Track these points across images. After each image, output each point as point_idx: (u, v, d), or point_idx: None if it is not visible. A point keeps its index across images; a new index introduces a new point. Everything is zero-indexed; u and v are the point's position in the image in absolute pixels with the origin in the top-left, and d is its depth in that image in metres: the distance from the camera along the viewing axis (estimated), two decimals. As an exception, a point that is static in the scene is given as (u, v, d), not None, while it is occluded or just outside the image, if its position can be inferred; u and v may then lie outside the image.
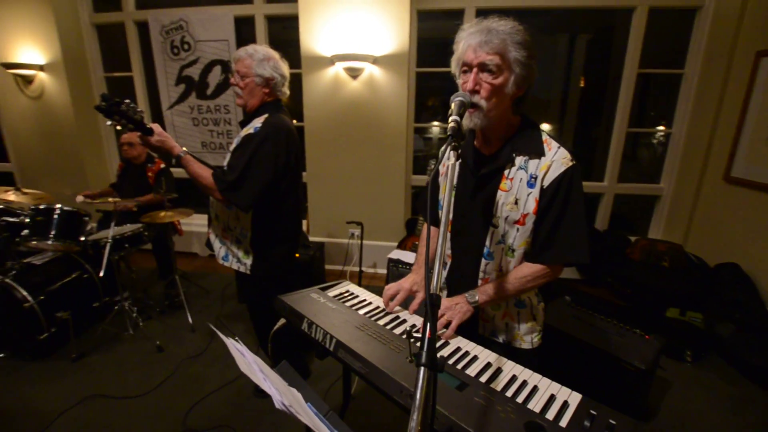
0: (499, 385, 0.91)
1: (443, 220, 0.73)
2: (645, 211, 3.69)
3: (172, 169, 3.19)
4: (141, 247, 2.82)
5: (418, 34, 3.36)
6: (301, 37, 3.26)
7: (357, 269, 3.45)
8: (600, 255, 3.38)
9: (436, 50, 3.45)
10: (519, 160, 1.06)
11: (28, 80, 3.81)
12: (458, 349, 1.05)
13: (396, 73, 3.22)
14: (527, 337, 1.19)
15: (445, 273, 1.26)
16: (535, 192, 1.04)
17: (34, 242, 2.33)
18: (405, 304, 1.27)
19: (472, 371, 0.95)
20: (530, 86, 1.03)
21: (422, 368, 0.51)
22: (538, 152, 1.05)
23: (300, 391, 0.89)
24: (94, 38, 3.94)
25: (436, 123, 3.69)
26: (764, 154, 2.66)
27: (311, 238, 3.61)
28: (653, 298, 2.83)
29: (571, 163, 1.03)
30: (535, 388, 0.90)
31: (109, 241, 2.40)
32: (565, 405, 0.85)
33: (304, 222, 3.78)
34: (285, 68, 1.75)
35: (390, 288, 1.25)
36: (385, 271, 3.49)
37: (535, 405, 0.84)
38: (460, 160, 0.95)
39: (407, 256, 2.81)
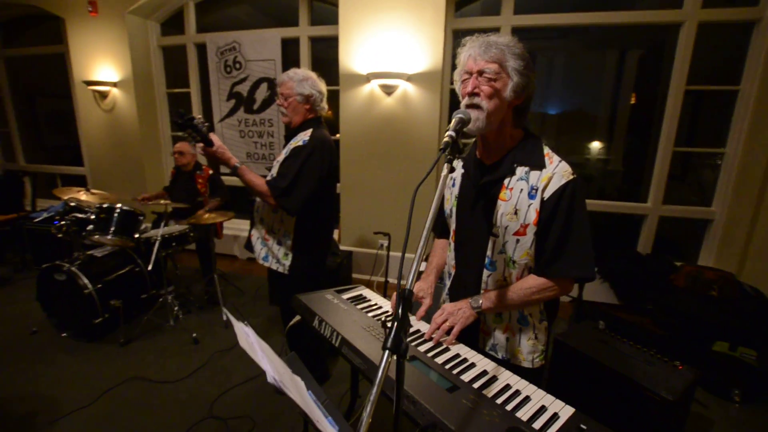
0: (491, 392, 0.93)
1: (424, 233, 0.77)
2: (694, 236, 3.45)
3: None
4: (186, 247, 3.08)
5: (453, 51, 3.44)
6: (340, 55, 3.45)
7: (383, 279, 3.52)
8: (641, 280, 3.19)
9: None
10: (520, 171, 1.08)
11: (103, 95, 4.34)
12: (457, 355, 1.08)
13: (429, 90, 3.31)
14: (528, 356, 1.17)
15: (448, 283, 1.29)
16: (536, 203, 1.05)
17: (97, 236, 2.64)
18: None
19: (466, 377, 0.98)
20: (529, 98, 1.07)
21: (386, 351, 0.56)
22: (539, 164, 1.07)
23: (304, 380, 0.97)
24: (159, 58, 4.42)
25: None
26: (830, 177, 2.42)
27: (341, 247, 3.73)
28: (699, 329, 2.63)
29: (572, 177, 1.04)
30: (526, 399, 0.92)
31: (158, 239, 2.66)
32: (554, 417, 0.86)
33: (336, 231, 3.92)
34: (322, 85, 1.93)
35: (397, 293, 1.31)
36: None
37: (524, 414, 0.86)
38: (453, 172, 0.98)
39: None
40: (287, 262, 1.94)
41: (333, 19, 3.53)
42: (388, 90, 3.35)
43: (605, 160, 3.68)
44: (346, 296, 1.46)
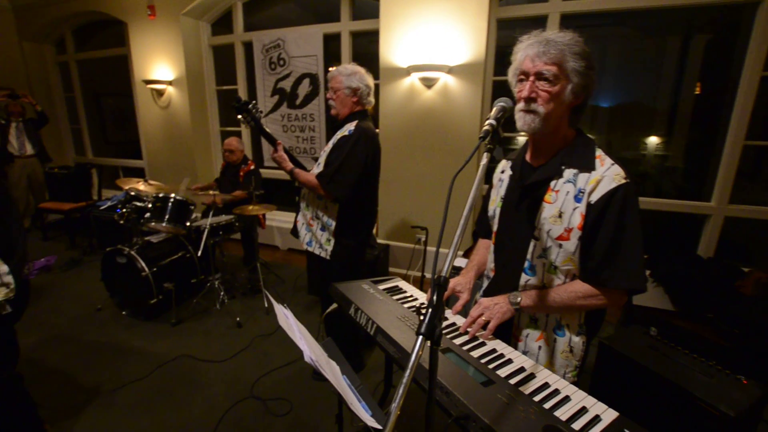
0: (527, 389, 0.90)
1: (461, 222, 0.75)
2: (766, 240, 3.11)
3: (262, 170, 3.62)
4: (232, 236, 3.24)
5: (497, 42, 3.33)
6: (381, 49, 3.45)
7: (420, 274, 3.51)
8: (701, 286, 2.94)
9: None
10: (568, 173, 1.03)
11: (160, 93, 4.65)
12: (494, 350, 1.06)
13: (471, 82, 3.22)
14: (560, 370, 1.11)
15: (485, 285, 1.26)
16: (582, 207, 0.99)
17: (153, 224, 2.85)
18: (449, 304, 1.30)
19: (502, 372, 0.96)
20: (588, 96, 1.01)
21: (420, 337, 0.56)
22: (589, 166, 1.01)
23: (339, 366, 1.00)
24: (210, 57, 4.66)
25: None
26: None
27: (378, 240, 3.76)
28: (768, 341, 2.38)
29: (624, 181, 0.97)
30: (566, 398, 0.88)
31: (207, 227, 2.82)
32: (596, 419, 0.82)
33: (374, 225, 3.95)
34: (369, 80, 2.01)
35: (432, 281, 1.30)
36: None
37: (563, 414, 0.82)
38: (493, 162, 0.94)
39: (469, 265, 2.78)
40: (329, 248, 2.03)
41: (374, 14, 3.54)
42: (429, 83, 3.31)
43: (663, 156, 3.41)
44: (382, 287, 1.47)
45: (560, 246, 1.03)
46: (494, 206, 1.21)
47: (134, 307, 2.87)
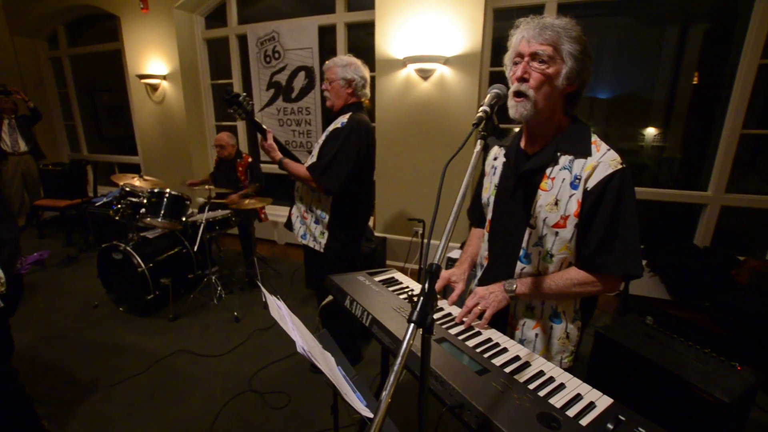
0: (522, 377, 0.90)
1: (453, 211, 0.74)
2: (764, 228, 3.12)
3: (262, 165, 3.60)
4: (229, 231, 3.23)
5: (493, 32, 3.30)
6: (376, 40, 3.42)
7: (418, 267, 3.51)
8: (697, 275, 2.95)
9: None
10: (563, 160, 1.02)
11: (154, 88, 4.61)
12: (489, 339, 1.06)
13: (467, 73, 3.20)
14: (557, 355, 1.11)
15: (479, 275, 1.26)
16: (578, 194, 0.98)
17: (148, 219, 2.84)
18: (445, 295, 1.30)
19: (497, 361, 0.96)
20: (583, 84, 1.00)
21: (411, 324, 0.55)
22: (585, 152, 1.00)
23: (334, 357, 0.99)
24: (204, 51, 4.61)
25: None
26: None
27: (376, 233, 3.75)
28: (763, 329, 2.40)
29: (620, 166, 0.96)
30: (561, 386, 0.88)
31: (203, 222, 2.81)
32: (590, 405, 0.82)
33: (371, 217, 3.94)
34: (365, 71, 1.99)
35: (424, 268, 1.29)
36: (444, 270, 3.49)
37: (557, 401, 0.82)
38: (487, 150, 0.94)
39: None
40: (323, 241, 2.02)
41: (370, 4, 3.50)
42: (425, 74, 3.28)
43: (661, 147, 3.40)
44: (377, 278, 1.46)
45: (556, 234, 1.02)
46: (488, 194, 1.19)
47: (131, 303, 2.87)
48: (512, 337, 1.16)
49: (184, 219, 2.94)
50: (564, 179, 1.01)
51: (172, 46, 4.36)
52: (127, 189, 3.03)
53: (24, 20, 5.28)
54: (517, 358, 0.98)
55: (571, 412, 0.79)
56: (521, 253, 1.09)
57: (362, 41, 3.90)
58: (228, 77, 4.57)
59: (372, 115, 3.65)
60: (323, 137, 1.97)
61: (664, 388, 1.65)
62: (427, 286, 0.60)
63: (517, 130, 1.20)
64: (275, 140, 2.04)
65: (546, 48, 0.94)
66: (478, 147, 0.82)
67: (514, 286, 1.08)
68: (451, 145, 3.38)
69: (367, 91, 2.03)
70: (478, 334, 1.08)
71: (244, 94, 2.00)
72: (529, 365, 0.95)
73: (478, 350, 1.00)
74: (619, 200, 0.96)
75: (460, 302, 1.25)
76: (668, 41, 3.22)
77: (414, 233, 3.67)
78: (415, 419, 0.70)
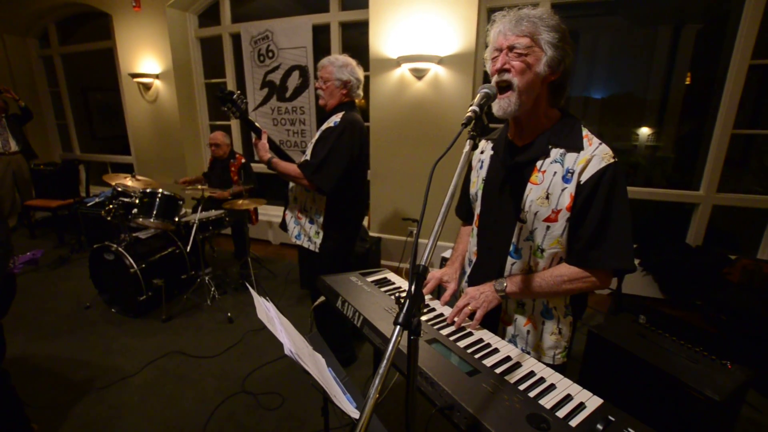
0: (513, 378, 0.90)
1: (441, 211, 0.73)
2: (754, 228, 3.15)
3: (254, 165, 3.58)
4: (222, 231, 3.21)
5: (487, 32, 3.30)
6: (370, 39, 3.41)
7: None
8: (690, 273, 2.98)
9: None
10: (555, 153, 1.01)
11: (147, 87, 4.57)
12: (480, 340, 1.05)
13: (461, 72, 3.20)
14: (549, 351, 1.11)
15: (468, 271, 1.25)
16: (571, 187, 0.97)
17: (141, 219, 2.81)
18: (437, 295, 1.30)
19: (488, 362, 0.95)
20: (566, 73, 0.99)
21: (397, 326, 0.55)
22: (577, 146, 0.99)
23: (325, 359, 0.99)
24: (197, 50, 4.57)
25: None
26: None
27: (370, 233, 3.75)
28: (754, 327, 2.42)
29: (612, 160, 0.96)
30: (551, 387, 0.88)
31: (196, 222, 2.79)
32: (580, 406, 0.82)
33: (365, 217, 3.93)
34: (360, 73, 2.00)
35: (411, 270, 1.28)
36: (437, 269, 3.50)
37: (547, 402, 0.82)
38: (475, 149, 0.93)
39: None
40: (318, 241, 2.02)
41: (364, 4, 3.49)
42: (419, 74, 3.28)
43: (654, 146, 3.42)
44: (370, 279, 1.46)
45: (547, 228, 1.01)
46: (476, 188, 1.18)
47: (123, 304, 2.84)
48: (504, 333, 1.16)
49: (176, 219, 2.92)
50: (555, 172, 1.00)
51: (164, 44, 4.32)
52: (119, 189, 3.00)
53: (14, 18, 5.22)
54: (508, 358, 0.98)
55: (561, 413, 0.79)
56: (511, 248, 1.08)
57: (356, 40, 3.89)
58: (221, 76, 4.55)
59: (366, 114, 3.64)
60: (316, 136, 1.97)
61: (657, 387, 1.66)
62: (413, 288, 0.60)
63: None
64: (269, 140, 2.03)
65: (523, 39, 0.94)
66: (467, 147, 0.82)
67: (504, 284, 1.07)
68: (445, 144, 3.34)
69: (361, 92, 2.04)
70: (470, 334, 1.08)
71: (239, 92, 1.99)
72: (520, 366, 0.95)
73: (469, 351, 1.00)
74: (612, 194, 0.96)
75: (453, 302, 1.24)
76: (661, 41, 3.25)
77: (409, 233, 3.67)
78: (404, 420, 0.70)
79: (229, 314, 2.78)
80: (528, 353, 1.11)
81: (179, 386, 2.13)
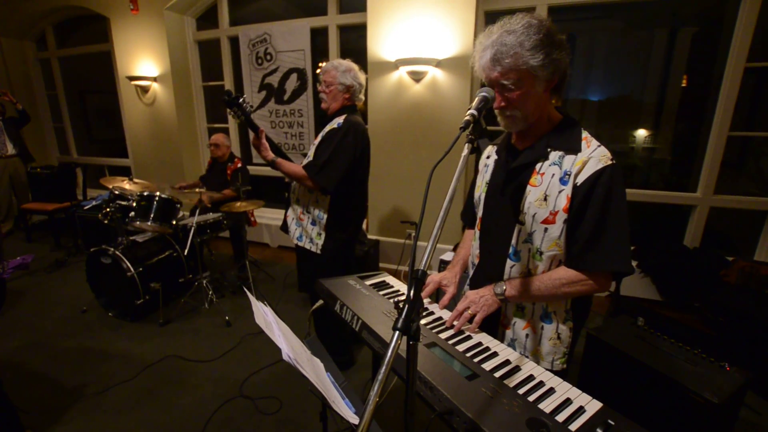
0: (512, 382, 0.89)
1: (441, 214, 0.73)
2: (751, 230, 3.16)
3: (254, 167, 3.57)
4: (220, 234, 3.20)
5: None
6: (368, 43, 3.42)
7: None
8: (687, 275, 2.98)
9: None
10: (553, 156, 1.02)
11: (144, 90, 4.56)
12: (479, 344, 1.05)
13: (459, 75, 3.21)
14: (548, 356, 1.10)
15: (471, 273, 1.26)
16: (568, 189, 0.98)
17: (138, 223, 2.79)
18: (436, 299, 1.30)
19: (487, 366, 0.95)
20: (565, 73, 0.98)
21: (396, 332, 0.54)
22: (575, 148, 0.99)
23: (324, 363, 0.98)
24: (195, 53, 4.57)
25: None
26: None
27: (369, 236, 3.74)
28: (752, 329, 2.42)
29: (610, 162, 0.96)
30: (550, 390, 0.87)
31: (194, 225, 2.78)
32: (580, 410, 0.81)
33: (365, 219, 3.93)
34: (362, 78, 2.03)
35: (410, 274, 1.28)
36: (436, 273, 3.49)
37: (547, 406, 0.82)
38: (474, 153, 0.94)
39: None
40: (320, 242, 2.03)
41: (362, 7, 3.50)
42: (417, 77, 3.28)
43: (651, 148, 3.43)
44: (368, 282, 1.45)
45: (545, 230, 1.02)
46: (479, 192, 1.19)
47: (120, 307, 2.82)
48: (504, 337, 1.16)
49: (174, 222, 2.91)
50: (553, 174, 1.00)
51: (162, 47, 4.32)
52: (117, 192, 2.98)
53: (11, 21, 5.20)
54: (507, 362, 0.97)
55: (560, 417, 0.79)
56: (510, 250, 1.08)
57: (354, 43, 3.90)
58: (220, 79, 4.54)
59: (364, 117, 3.65)
60: (319, 138, 1.99)
61: (655, 390, 1.65)
62: (412, 292, 0.60)
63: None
64: (269, 141, 2.03)
65: (510, 75, 0.94)
66: (465, 151, 0.82)
67: (504, 288, 1.07)
68: (443, 147, 3.36)
69: (363, 96, 2.07)
70: (469, 338, 1.08)
71: (244, 96, 2.01)
72: (519, 369, 0.95)
73: (468, 355, 0.99)
74: (609, 196, 0.95)
75: (451, 306, 1.24)
76: (657, 44, 3.26)
77: (407, 236, 3.67)
78: (403, 425, 0.69)
79: (227, 318, 2.77)
80: (527, 357, 1.11)
81: (176, 391, 2.11)
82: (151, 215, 2.78)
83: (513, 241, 1.08)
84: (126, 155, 5.26)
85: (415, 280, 0.61)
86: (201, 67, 4.65)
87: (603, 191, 0.95)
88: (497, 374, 0.92)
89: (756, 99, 3.00)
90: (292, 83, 4.05)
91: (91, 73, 5.50)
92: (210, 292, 3.00)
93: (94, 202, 4.06)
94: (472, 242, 1.31)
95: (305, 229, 2.08)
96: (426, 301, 1.29)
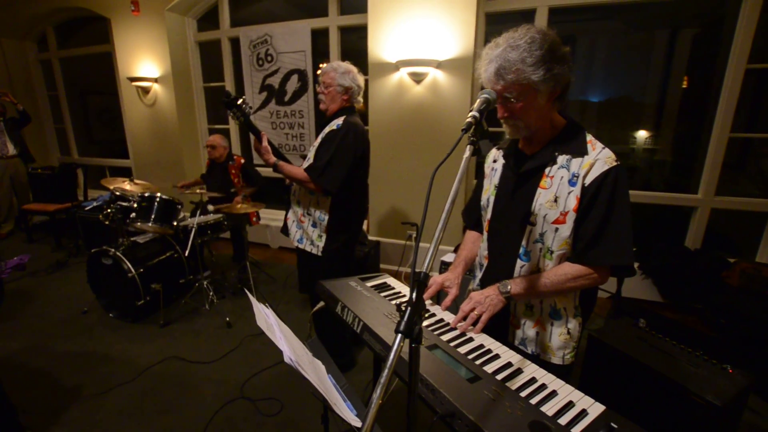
0: (514, 384, 0.89)
1: (443, 216, 0.74)
2: (752, 231, 3.16)
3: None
4: (221, 235, 3.20)
5: (485, 36, 3.31)
6: (369, 44, 3.42)
7: (410, 270, 3.50)
8: (689, 277, 2.97)
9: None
10: (561, 159, 1.06)
11: (145, 91, 4.56)
12: (481, 346, 1.05)
13: (460, 77, 3.21)
14: (559, 351, 1.13)
15: (480, 275, 1.26)
16: (577, 190, 1.02)
17: (139, 224, 2.79)
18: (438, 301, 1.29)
19: (489, 368, 0.95)
20: (567, 83, 1.01)
21: (398, 335, 0.54)
22: (581, 151, 1.04)
23: (325, 365, 0.98)
24: (196, 54, 4.58)
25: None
26: None
27: (369, 237, 3.74)
28: (754, 331, 2.42)
29: (615, 163, 1.01)
30: (553, 393, 0.87)
31: (195, 226, 2.78)
32: (582, 413, 0.81)
33: (365, 221, 3.93)
34: (361, 80, 2.03)
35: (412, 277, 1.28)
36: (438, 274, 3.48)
37: (549, 409, 0.81)
38: (476, 156, 0.94)
39: (460, 260, 2.78)
40: (321, 244, 2.03)
41: (362, 8, 3.50)
42: (418, 78, 3.28)
43: (652, 150, 3.43)
44: (369, 284, 1.45)
45: (556, 230, 1.06)
46: (488, 195, 1.22)
47: (121, 309, 2.82)
48: (514, 336, 1.18)
49: (175, 223, 2.91)
50: (562, 177, 1.04)
51: (163, 48, 4.32)
52: (118, 193, 2.98)
53: (12, 22, 5.21)
54: (509, 364, 0.97)
55: (563, 420, 0.78)
56: (521, 250, 1.12)
57: (355, 44, 3.90)
58: (220, 80, 4.55)
59: (365, 118, 3.65)
60: (319, 139, 1.98)
61: (657, 392, 1.65)
62: (414, 295, 0.59)
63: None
64: (270, 144, 2.03)
65: (512, 88, 0.97)
66: (467, 153, 0.82)
67: (509, 287, 1.09)
68: (443, 148, 3.37)
69: (361, 98, 2.07)
70: (471, 340, 1.08)
71: (244, 97, 2.01)
72: (521, 372, 0.95)
73: (470, 357, 0.99)
74: (614, 195, 1.00)
75: (454, 307, 1.24)
76: (658, 45, 3.26)
77: (408, 237, 3.66)
78: (405, 427, 0.69)
79: (227, 319, 2.77)
80: (537, 355, 1.13)
81: (177, 393, 2.11)
82: (152, 216, 2.79)
83: (523, 242, 1.11)
84: (126, 156, 5.26)
85: (418, 282, 0.60)
86: (202, 68, 4.65)
87: (608, 191, 1.00)
88: (499, 377, 0.91)
89: (757, 100, 3.00)
90: (293, 84, 4.05)
91: (92, 74, 5.50)
92: (211, 293, 2.99)
93: (94, 203, 4.06)
94: (474, 244, 1.33)
95: (306, 231, 2.07)
96: (427, 302, 1.29)
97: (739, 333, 2.44)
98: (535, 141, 1.11)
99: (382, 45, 3.37)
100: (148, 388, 2.14)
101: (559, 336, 1.12)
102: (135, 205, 2.82)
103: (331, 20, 3.84)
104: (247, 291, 1.15)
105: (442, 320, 1.19)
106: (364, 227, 3.90)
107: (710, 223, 3.14)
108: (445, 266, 2.80)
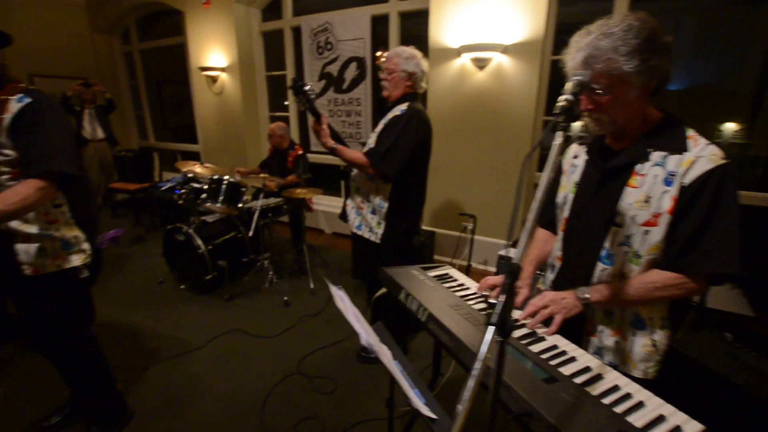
0: (595, 390, 0.84)
1: (534, 207, 0.69)
2: None
3: (313, 155, 3.67)
4: (281, 219, 3.34)
5: (557, 18, 3.09)
6: (430, 29, 3.33)
7: (466, 263, 3.43)
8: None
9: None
10: (655, 156, 0.94)
11: (214, 80, 4.84)
12: (555, 346, 0.99)
13: (527, 62, 3.03)
14: (641, 364, 1.02)
15: (551, 276, 1.19)
16: (673, 190, 0.91)
17: (208, 204, 3.00)
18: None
19: (565, 370, 0.90)
20: (664, 77, 0.91)
21: (491, 327, 0.52)
22: (680, 148, 0.92)
23: (390, 351, 0.98)
24: (260, 44, 4.76)
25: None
26: None
27: (423, 227, 3.71)
28: None
29: (722, 161, 0.88)
30: (639, 404, 0.80)
31: (258, 209, 2.93)
32: (677, 430, 0.74)
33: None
34: (425, 65, 2.00)
35: (489, 279, 1.23)
36: (494, 269, 3.38)
37: (637, 420, 0.75)
38: (566, 147, 0.88)
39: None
40: (380, 231, 2.03)
41: (424, -8, 3.41)
42: (481, 64, 3.15)
43: (743, 144, 3.03)
44: (432, 273, 1.44)
45: (646, 233, 0.95)
46: (565, 192, 1.13)
47: (192, 281, 3.07)
48: (589, 344, 1.09)
49: (240, 205, 3.08)
50: (657, 175, 0.93)
51: (231, 39, 4.54)
52: (190, 175, 3.22)
53: (103, 19, 5.77)
54: (587, 369, 0.91)
55: (654, 435, 0.72)
56: (603, 253, 1.02)
57: (415, 30, 3.82)
58: (281, 69, 4.70)
59: (424, 105, 3.58)
60: (381, 125, 1.98)
61: (750, 415, 1.48)
62: (508, 286, 0.56)
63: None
64: (330, 128, 2.05)
65: (600, 81, 0.88)
66: (558, 140, 0.76)
67: (588, 294, 1.00)
68: (506, 138, 3.23)
69: (425, 84, 2.03)
70: (542, 339, 1.02)
71: (311, 84, 2.06)
72: (602, 378, 0.88)
73: (544, 357, 0.94)
74: (718, 196, 0.88)
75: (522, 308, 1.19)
76: (761, 23, 2.83)
77: (463, 228, 3.58)
78: (473, 423, 0.67)
79: (285, 298, 2.90)
80: (616, 366, 1.03)
81: (240, 363, 2.26)
82: (220, 197, 2.97)
83: (606, 244, 1.01)
84: (195, 141, 5.66)
85: (510, 273, 0.57)
86: (264, 58, 4.83)
87: (711, 192, 0.88)
88: (577, 380, 0.86)
89: None
90: (351, 72, 4.08)
91: (167, 64, 5.94)
92: (270, 273, 3.16)
93: (168, 184, 4.42)
94: (546, 243, 1.26)
95: (365, 218, 2.09)
96: (492, 300, 1.24)
97: None
98: (625, 136, 1.00)
99: (444, 30, 3.27)
100: (215, 355, 2.32)
101: (642, 347, 1.02)
102: (205, 187, 3.02)
103: (391, 6, 3.79)
104: (322, 275, 1.18)
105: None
106: (417, 217, 3.87)
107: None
108: (503, 261, 2.71)
